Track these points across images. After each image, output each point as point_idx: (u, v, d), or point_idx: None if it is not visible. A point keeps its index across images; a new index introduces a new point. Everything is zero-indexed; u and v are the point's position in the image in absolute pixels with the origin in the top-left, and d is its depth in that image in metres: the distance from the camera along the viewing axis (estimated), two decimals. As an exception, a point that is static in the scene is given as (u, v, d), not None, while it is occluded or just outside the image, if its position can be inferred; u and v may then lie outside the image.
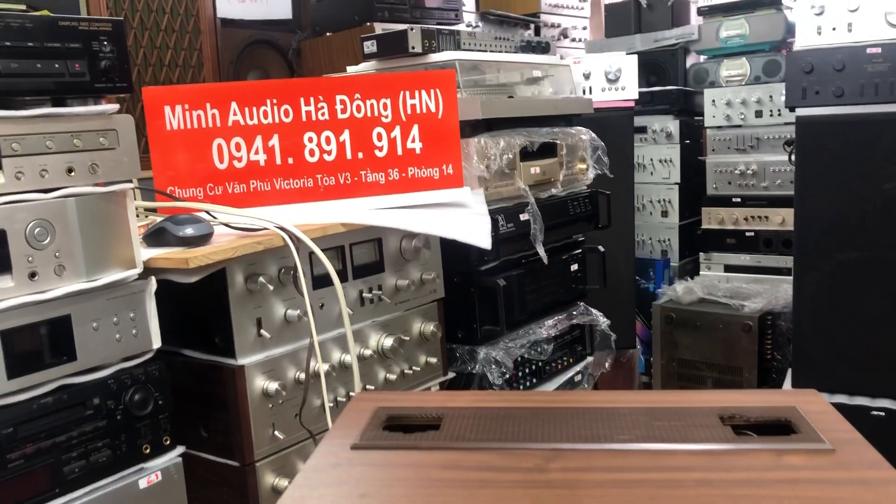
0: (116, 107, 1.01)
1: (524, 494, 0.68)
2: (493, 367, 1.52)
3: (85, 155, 0.98)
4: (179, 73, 2.72)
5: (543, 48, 1.85)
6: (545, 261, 1.62)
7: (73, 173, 0.97)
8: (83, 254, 0.98)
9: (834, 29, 1.68)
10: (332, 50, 2.51)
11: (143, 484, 1.03)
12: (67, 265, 0.96)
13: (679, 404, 0.87)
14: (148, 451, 1.05)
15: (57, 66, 0.95)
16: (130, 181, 1.02)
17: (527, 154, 1.64)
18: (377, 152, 1.38)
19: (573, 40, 2.96)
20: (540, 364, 1.71)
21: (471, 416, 0.84)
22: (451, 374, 1.51)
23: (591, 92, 2.26)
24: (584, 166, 1.80)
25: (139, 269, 1.04)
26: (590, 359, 1.86)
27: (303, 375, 1.20)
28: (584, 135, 1.80)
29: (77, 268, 0.97)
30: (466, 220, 1.35)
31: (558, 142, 1.73)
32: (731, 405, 0.86)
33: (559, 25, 2.91)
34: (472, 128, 1.54)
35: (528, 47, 1.82)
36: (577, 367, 1.82)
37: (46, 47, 0.94)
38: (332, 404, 1.24)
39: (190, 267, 1.04)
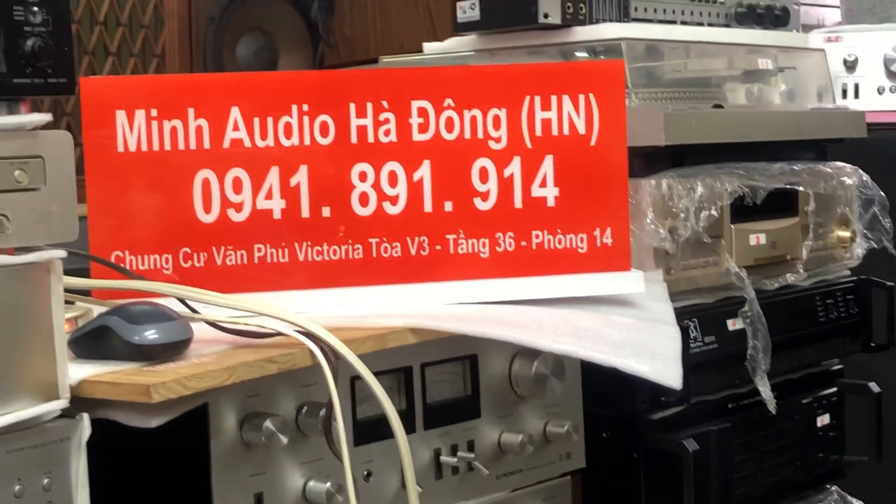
0: (47, 118, 1.06)
1: None
2: None
3: (-12, 199, 1.03)
4: (122, 35, 2.85)
5: (777, 17, 1.87)
6: (771, 408, 1.60)
7: (-35, 231, 1.02)
8: (-26, 371, 1.01)
9: None
10: (391, 6, 2.58)
11: None
12: (-54, 389, 1.00)
13: None
14: None
15: (-48, 45, 1.01)
16: (60, 248, 1.06)
17: (743, 210, 1.64)
18: (479, 202, 1.40)
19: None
20: None
21: None
22: None
23: (857, 94, 2.25)
24: (846, 234, 1.80)
25: (64, 402, 1.07)
26: (848, 593, 1.82)
27: None
28: (849, 177, 1.80)
29: (-38, 394, 1.01)
30: (638, 332, 1.36)
31: (801, 189, 1.73)
32: None
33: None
34: (647, 161, 1.56)
35: (750, 15, 1.84)
36: None
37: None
38: None
39: (152, 400, 1.06)
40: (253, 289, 1.33)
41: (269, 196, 1.35)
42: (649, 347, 1.34)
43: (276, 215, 1.36)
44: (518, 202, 1.41)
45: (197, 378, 1.09)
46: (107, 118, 1.33)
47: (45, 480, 1.06)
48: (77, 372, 1.11)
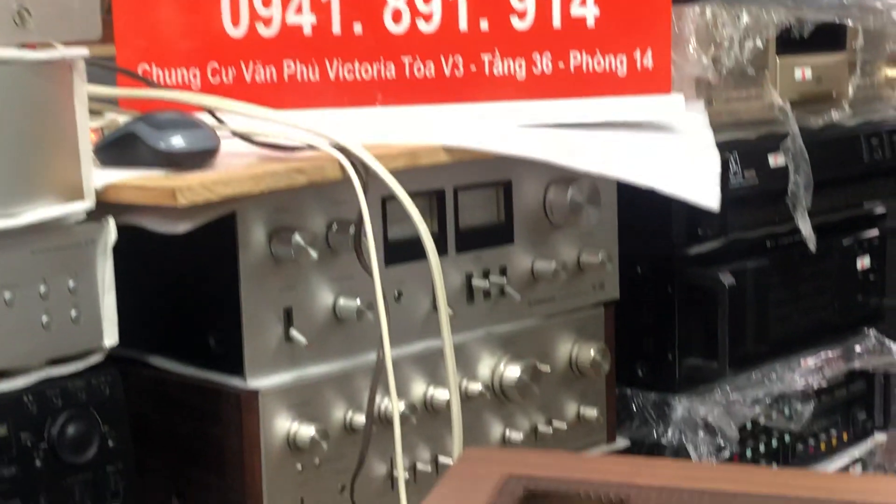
0: None
1: None
2: (702, 434, 1.51)
3: (7, -8, 1.02)
4: None
5: None
6: (811, 246, 1.60)
7: (-16, 24, 1.01)
8: (-5, 169, 1.01)
9: None
10: None
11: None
12: (-32, 187, 1.00)
13: None
14: (84, 527, 1.08)
15: None
16: (83, 47, 1.05)
17: (789, 43, 1.61)
18: (515, 21, 1.37)
19: None
20: (787, 439, 1.69)
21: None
22: (622, 443, 1.51)
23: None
24: (894, 73, 1.77)
25: (89, 204, 1.07)
26: (881, 437, 1.84)
27: (360, 418, 1.21)
28: (900, 12, 1.76)
29: (-16, 193, 1.01)
30: (675, 153, 1.34)
31: (849, 23, 1.70)
32: None
33: None
34: (691, -13, 1.53)
35: None
36: (855, 451, 1.80)
37: None
38: (408, 475, 1.24)
39: (178, 204, 1.06)
40: (283, 106, 1.31)
41: (298, 11, 1.33)
42: (687, 169, 1.33)
43: (307, 31, 1.34)
44: (556, 21, 1.38)
45: (223, 184, 1.09)
46: (132, -77, 1.32)
47: (71, 283, 1.07)
48: (102, 176, 1.11)
